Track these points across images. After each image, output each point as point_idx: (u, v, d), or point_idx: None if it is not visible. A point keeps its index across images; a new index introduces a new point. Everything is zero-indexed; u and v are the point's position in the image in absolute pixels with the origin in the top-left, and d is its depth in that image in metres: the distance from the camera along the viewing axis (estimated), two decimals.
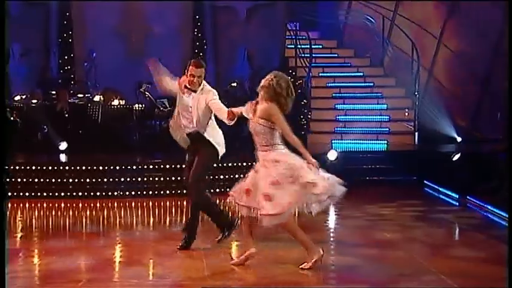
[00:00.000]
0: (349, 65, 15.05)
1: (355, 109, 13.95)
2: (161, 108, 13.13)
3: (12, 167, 10.55)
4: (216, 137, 7.18)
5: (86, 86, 14.91)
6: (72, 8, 15.89)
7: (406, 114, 13.68)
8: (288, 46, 14.98)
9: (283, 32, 15.17)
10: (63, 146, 12.42)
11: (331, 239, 8.17)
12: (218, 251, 7.10)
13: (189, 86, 7.14)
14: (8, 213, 9.37)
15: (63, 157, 12.06)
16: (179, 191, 10.11)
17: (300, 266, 6.37)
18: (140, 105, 13.36)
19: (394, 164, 11.77)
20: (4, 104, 9.64)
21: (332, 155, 11.35)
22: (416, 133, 13.33)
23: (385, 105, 13.94)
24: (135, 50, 15.51)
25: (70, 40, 15.81)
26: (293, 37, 14.61)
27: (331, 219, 9.10)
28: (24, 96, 13.75)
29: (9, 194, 10.22)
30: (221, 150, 7.18)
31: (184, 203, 9.31)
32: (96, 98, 13.76)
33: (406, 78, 13.97)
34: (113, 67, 14.85)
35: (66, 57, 15.81)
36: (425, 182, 11.30)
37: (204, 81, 7.14)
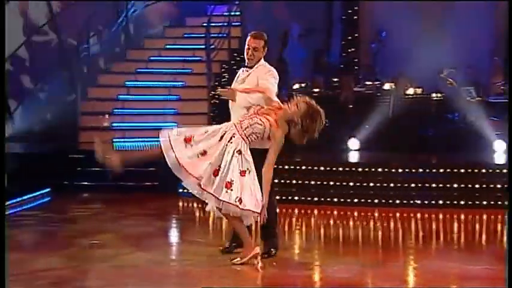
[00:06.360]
0: None
1: None
2: (467, 98, 12.67)
3: (290, 167, 10.52)
4: None
5: (373, 71, 14.66)
6: None
7: None
8: None
9: None
10: (354, 144, 12.31)
11: None
12: None
13: (246, 61, 7.10)
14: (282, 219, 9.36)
15: (349, 156, 11.98)
16: (477, 202, 9.75)
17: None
18: (439, 95, 13.03)
19: None
20: (4, 103, 9.55)
21: None
22: None
23: None
24: (433, 28, 14.48)
25: (355, 17, 15.28)
26: None
27: None
28: (303, 85, 13.76)
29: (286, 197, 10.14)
30: None
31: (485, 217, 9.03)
32: (386, 86, 13.50)
33: None
34: (407, 49, 14.08)
35: (349, 37, 15.35)
36: None
37: (262, 60, 7.09)
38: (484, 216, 9.44)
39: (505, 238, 8.42)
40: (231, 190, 6.54)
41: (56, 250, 7.46)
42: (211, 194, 6.55)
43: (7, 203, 9.89)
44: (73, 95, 13.85)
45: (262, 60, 7.13)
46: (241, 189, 6.55)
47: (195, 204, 9.72)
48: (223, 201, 6.55)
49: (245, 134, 6.65)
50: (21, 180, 11.12)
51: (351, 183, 10.21)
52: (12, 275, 6.41)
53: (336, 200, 10.15)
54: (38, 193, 10.73)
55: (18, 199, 10.26)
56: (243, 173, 6.58)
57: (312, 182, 10.33)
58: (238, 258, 6.74)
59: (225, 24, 13.87)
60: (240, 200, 6.54)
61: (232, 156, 6.57)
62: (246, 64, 7.18)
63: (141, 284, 6.25)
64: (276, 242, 7.11)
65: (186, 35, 14.76)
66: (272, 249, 7.05)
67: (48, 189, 10.95)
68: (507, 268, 6.10)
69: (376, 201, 10.02)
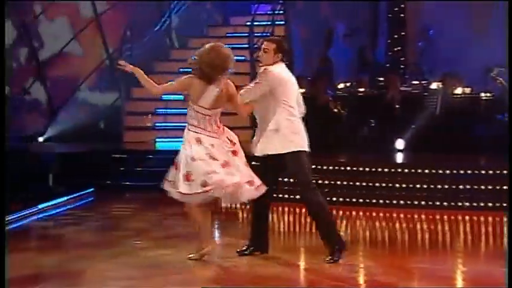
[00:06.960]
0: None
1: None
2: None
3: (334, 167, 10.42)
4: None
5: (420, 70, 14.52)
6: None
7: None
8: None
9: None
10: (400, 144, 12.18)
11: None
12: None
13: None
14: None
15: (395, 157, 11.80)
16: None
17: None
18: (489, 94, 12.75)
19: None
20: (4, 104, 9.51)
21: None
22: None
23: None
24: (482, 26, 14.27)
25: (402, 15, 15.09)
26: None
27: None
28: (349, 84, 13.62)
29: (330, 198, 9.92)
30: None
31: None
32: (434, 86, 13.23)
33: None
34: (455, 47, 13.95)
35: (396, 36, 15.17)
36: None
37: (273, 67, 7.07)
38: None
39: None
40: (215, 173, 6.70)
41: (98, 250, 7.49)
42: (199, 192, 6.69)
43: (51, 202, 10.02)
44: (117, 95, 13.96)
45: (274, 66, 7.10)
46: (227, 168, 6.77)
47: (237, 205, 9.68)
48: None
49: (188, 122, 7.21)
50: (65, 180, 11.25)
51: (397, 185, 10.04)
52: (47, 274, 6.45)
53: (381, 201, 9.99)
54: (81, 193, 10.84)
55: (63, 199, 10.38)
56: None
57: (357, 183, 10.18)
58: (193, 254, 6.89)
59: (269, 23, 13.84)
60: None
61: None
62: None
63: (182, 285, 6.24)
64: (333, 244, 6.93)
65: (228, 34, 14.76)
66: (335, 257, 6.88)
67: (92, 189, 11.04)
68: (507, 268, 6.12)
69: (422, 203, 9.83)
